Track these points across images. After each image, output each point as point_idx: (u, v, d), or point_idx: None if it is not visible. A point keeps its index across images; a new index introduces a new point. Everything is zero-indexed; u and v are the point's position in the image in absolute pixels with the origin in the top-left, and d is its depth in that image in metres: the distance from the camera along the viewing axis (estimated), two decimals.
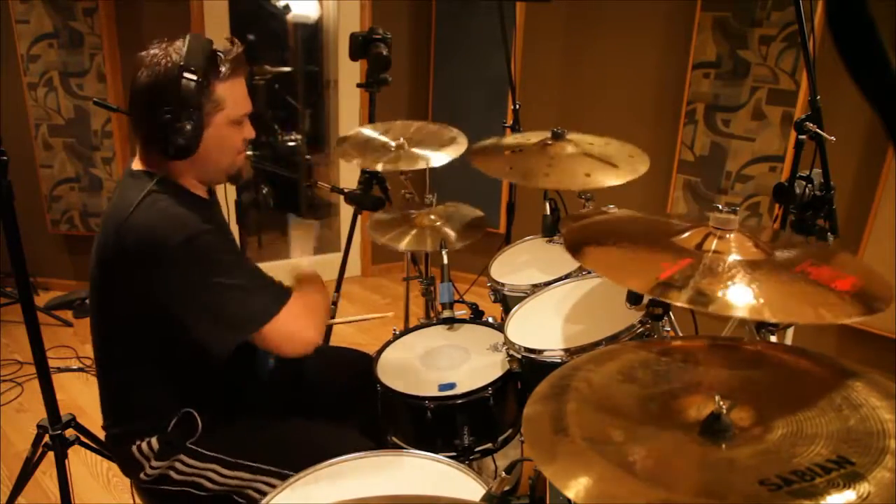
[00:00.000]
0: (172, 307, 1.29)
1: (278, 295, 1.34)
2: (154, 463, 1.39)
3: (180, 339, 1.30)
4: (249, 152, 1.48)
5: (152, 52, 1.30)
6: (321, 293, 1.50)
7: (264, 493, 1.33)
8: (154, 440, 1.39)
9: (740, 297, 0.90)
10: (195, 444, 1.39)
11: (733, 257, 0.99)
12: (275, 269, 1.50)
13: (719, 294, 0.90)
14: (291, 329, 1.34)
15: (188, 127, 1.27)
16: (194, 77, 1.26)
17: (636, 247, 1.08)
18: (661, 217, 1.23)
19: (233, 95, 1.34)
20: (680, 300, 0.89)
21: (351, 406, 1.68)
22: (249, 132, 1.42)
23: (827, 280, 0.94)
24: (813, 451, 0.71)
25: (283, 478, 1.24)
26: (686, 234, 1.06)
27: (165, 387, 1.40)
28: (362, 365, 1.68)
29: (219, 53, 1.33)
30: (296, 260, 1.67)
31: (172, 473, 1.39)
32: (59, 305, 3.48)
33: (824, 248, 1.29)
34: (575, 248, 1.09)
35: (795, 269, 0.98)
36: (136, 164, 1.39)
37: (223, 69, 1.32)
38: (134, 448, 1.39)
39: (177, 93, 1.25)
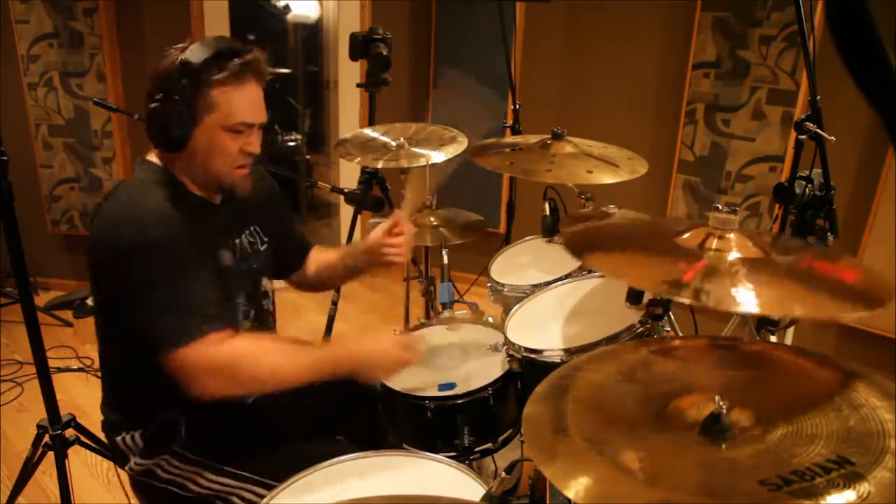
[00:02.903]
0: (116, 299, 1.29)
1: (195, 327, 1.23)
2: (138, 459, 1.41)
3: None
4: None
5: (175, 46, 1.33)
6: (312, 364, 1.32)
7: (249, 502, 1.34)
8: (138, 435, 1.40)
9: (749, 295, 0.88)
10: (181, 448, 1.40)
11: (736, 255, 0.98)
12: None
13: (731, 292, 0.88)
14: (188, 370, 1.22)
15: (174, 120, 1.29)
16: (190, 71, 1.27)
17: (642, 250, 1.07)
18: (660, 219, 1.23)
19: (231, 101, 1.31)
20: (688, 297, 0.87)
21: (348, 408, 1.67)
22: (251, 146, 1.37)
23: (834, 273, 0.94)
24: (813, 451, 0.71)
25: (269, 487, 1.23)
26: (686, 235, 1.06)
27: (153, 384, 1.37)
28: None
29: (232, 57, 1.30)
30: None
31: (158, 471, 1.40)
32: (59, 305, 3.48)
33: (823, 249, 1.29)
34: (577, 252, 1.07)
35: (801, 265, 0.97)
36: (149, 154, 1.41)
37: (223, 73, 1.29)
38: (119, 439, 1.42)
39: (171, 85, 1.28)
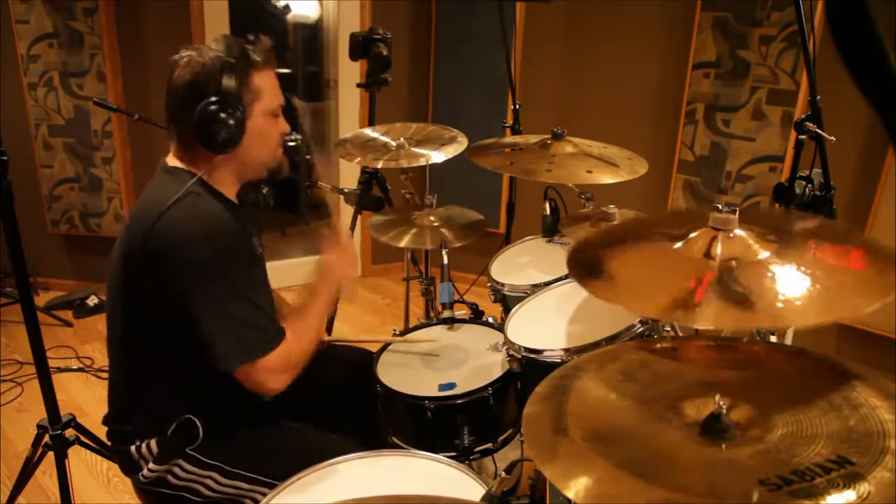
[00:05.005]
0: (189, 312, 1.28)
1: (264, 340, 1.32)
2: (152, 465, 1.39)
3: (195, 342, 1.29)
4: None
5: (185, 54, 1.33)
6: (318, 315, 1.47)
7: None
8: (153, 442, 1.39)
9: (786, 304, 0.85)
10: (195, 451, 1.39)
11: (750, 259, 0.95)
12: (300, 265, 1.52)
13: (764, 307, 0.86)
14: (261, 379, 1.32)
15: (231, 119, 1.30)
16: (235, 67, 1.31)
17: (643, 265, 1.04)
18: (656, 219, 1.21)
19: (268, 85, 1.39)
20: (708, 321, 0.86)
21: (352, 407, 1.67)
22: (284, 125, 1.46)
23: (840, 259, 0.92)
24: (813, 451, 0.71)
25: None
26: (690, 240, 1.03)
27: (173, 390, 1.40)
28: (363, 363, 1.68)
29: (248, 47, 1.36)
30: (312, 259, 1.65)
31: (170, 478, 1.39)
32: (59, 305, 3.48)
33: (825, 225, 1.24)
34: (581, 278, 1.04)
35: (809, 251, 0.95)
36: (172, 161, 1.39)
37: (258, 58, 1.36)
38: (133, 448, 1.39)
39: (219, 85, 1.29)
